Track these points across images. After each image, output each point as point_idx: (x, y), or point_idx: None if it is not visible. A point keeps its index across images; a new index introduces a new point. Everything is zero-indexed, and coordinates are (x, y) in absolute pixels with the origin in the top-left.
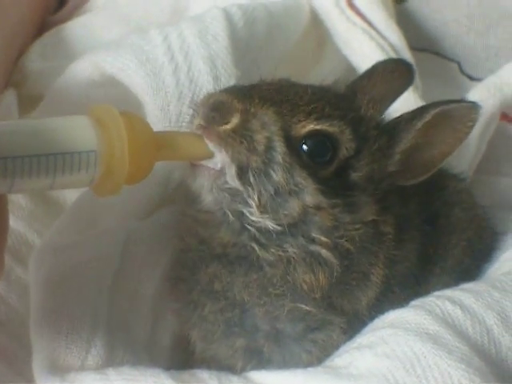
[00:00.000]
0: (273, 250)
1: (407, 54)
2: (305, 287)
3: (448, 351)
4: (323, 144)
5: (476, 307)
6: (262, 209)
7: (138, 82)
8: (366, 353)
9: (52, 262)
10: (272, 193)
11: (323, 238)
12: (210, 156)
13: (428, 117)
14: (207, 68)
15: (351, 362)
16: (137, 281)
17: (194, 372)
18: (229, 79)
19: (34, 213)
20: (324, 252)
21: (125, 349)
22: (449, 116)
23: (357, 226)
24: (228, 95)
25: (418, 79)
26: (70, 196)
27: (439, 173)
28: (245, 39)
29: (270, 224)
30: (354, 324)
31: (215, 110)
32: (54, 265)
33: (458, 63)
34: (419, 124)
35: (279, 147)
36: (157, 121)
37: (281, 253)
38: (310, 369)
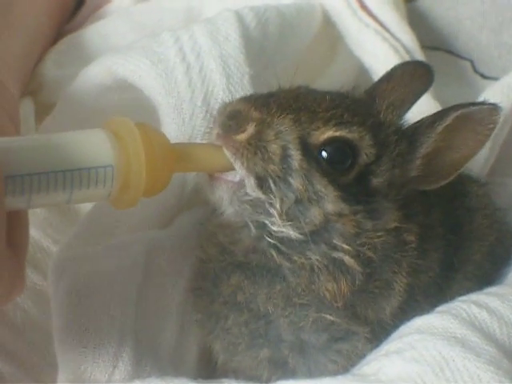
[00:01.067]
0: (295, 258)
1: (420, 55)
2: (327, 296)
3: (476, 354)
4: (343, 150)
5: (502, 309)
6: (285, 217)
7: (150, 83)
8: (394, 359)
9: (73, 271)
10: (293, 200)
11: (345, 246)
12: (230, 168)
13: (449, 120)
14: (219, 67)
15: (380, 369)
16: (161, 293)
17: (221, 382)
18: (242, 78)
19: (48, 219)
20: (347, 259)
21: (151, 363)
22: (470, 119)
23: (379, 234)
24: (245, 103)
25: None
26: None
27: (460, 178)
28: (258, 40)
29: (293, 233)
30: (379, 333)
31: (232, 118)
32: (76, 275)
33: (471, 61)
34: (440, 128)
35: (295, 155)
36: (170, 121)
37: (303, 260)
38: (338, 376)
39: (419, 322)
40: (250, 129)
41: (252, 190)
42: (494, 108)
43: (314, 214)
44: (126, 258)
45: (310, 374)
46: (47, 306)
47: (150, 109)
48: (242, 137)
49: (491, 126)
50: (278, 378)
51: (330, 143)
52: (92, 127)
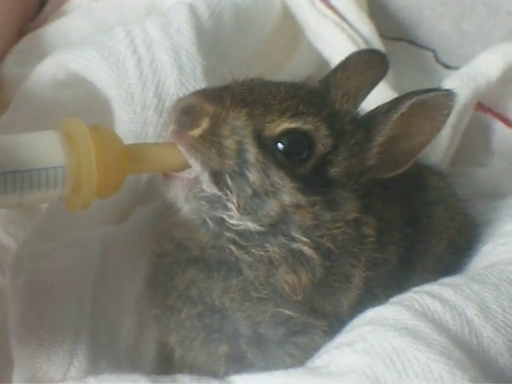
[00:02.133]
0: (253, 251)
1: (379, 46)
2: (287, 288)
3: (427, 345)
4: (299, 142)
5: (455, 299)
6: (242, 211)
7: (101, 76)
8: (345, 351)
9: (30, 268)
10: (250, 194)
11: (304, 238)
12: (185, 166)
13: (404, 108)
14: (171, 59)
15: (331, 361)
16: (118, 288)
17: (175, 377)
18: (194, 69)
19: (9, 216)
20: (306, 249)
21: (108, 360)
22: (425, 105)
23: (338, 225)
24: (199, 98)
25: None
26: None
27: (420, 171)
28: (211, 31)
29: (251, 225)
30: (336, 326)
31: (186, 113)
32: (33, 272)
33: (434, 51)
34: (395, 116)
35: (251, 149)
36: (122, 113)
37: (262, 253)
38: (290, 370)
39: (371, 313)
40: (204, 124)
41: (208, 186)
42: (449, 94)
43: (272, 207)
44: (82, 254)
45: (267, 368)
46: (5, 302)
47: (104, 103)
48: (196, 132)
49: (446, 111)
50: (235, 373)
51: (285, 135)
52: (47, 124)
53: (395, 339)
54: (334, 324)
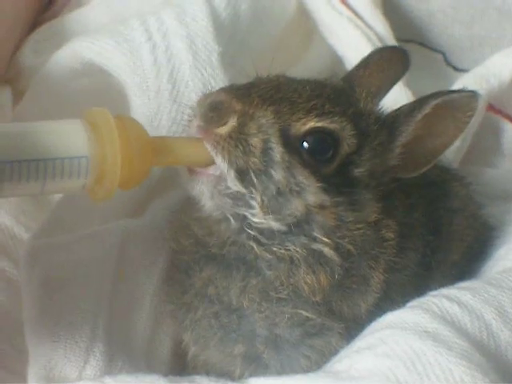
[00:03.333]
0: (274, 249)
1: (393, 43)
2: (306, 289)
3: (448, 348)
4: (324, 141)
5: (473, 303)
6: (265, 209)
7: (116, 63)
8: (366, 354)
9: (46, 261)
10: (274, 193)
11: (325, 238)
12: (210, 162)
13: (428, 108)
14: (185, 46)
15: (351, 365)
16: (134, 284)
17: (193, 378)
18: (209, 56)
19: (21, 206)
20: (327, 250)
21: (124, 358)
22: (449, 106)
23: (359, 226)
24: (226, 94)
25: None
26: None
27: (443, 177)
28: (228, 20)
29: (274, 224)
30: (353, 329)
31: (214, 109)
32: (49, 265)
33: (443, 54)
34: (419, 116)
35: (277, 148)
36: (136, 98)
37: (283, 251)
38: (310, 374)
39: (390, 317)
40: (232, 121)
41: (233, 183)
42: (473, 95)
43: (296, 206)
44: (100, 248)
45: (283, 370)
46: (17, 293)
47: (120, 92)
48: (224, 130)
49: (470, 113)
50: (251, 374)
51: (311, 134)
52: (63, 113)
53: (416, 342)
54: (351, 327)
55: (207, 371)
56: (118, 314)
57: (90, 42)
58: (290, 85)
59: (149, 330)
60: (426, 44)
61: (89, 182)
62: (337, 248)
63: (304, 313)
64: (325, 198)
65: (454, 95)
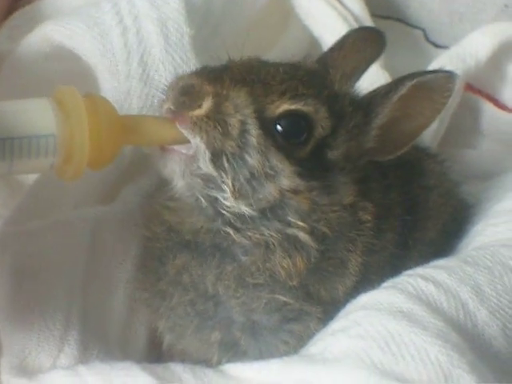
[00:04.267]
0: (249, 234)
1: (370, 24)
2: (282, 273)
3: (423, 328)
4: (298, 124)
5: (449, 282)
6: (237, 194)
7: (86, 46)
8: (340, 337)
9: (17, 248)
10: (248, 177)
11: (300, 222)
12: (183, 141)
13: (404, 89)
14: (157, 29)
15: (325, 348)
16: (107, 272)
17: (167, 365)
18: (181, 39)
19: None
20: (301, 235)
21: (99, 347)
22: (425, 87)
23: (334, 209)
24: (198, 77)
25: None
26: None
27: (418, 156)
28: (200, 2)
29: (245, 209)
30: (331, 313)
31: (185, 93)
32: (20, 252)
33: (423, 30)
34: (395, 97)
35: (253, 130)
36: (105, 82)
37: (258, 236)
38: (284, 358)
39: (365, 298)
40: (208, 103)
41: (205, 165)
42: (450, 75)
43: (269, 190)
44: (71, 235)
45: (261, 356)
46: None
47: (91, 76)
48: (201, 111)
49: (447, 93)
50: (228, 360)
51: (284, 117)
52: (35, 97)
53: (390, 323)
54: (329, 311)
55: (184, 360)
56: (92, 302)
57: (61, 25)
58: (262, 67)
59: (123, 318)
60: (405, 20)
61: (57, 161)
62: (312, 232)
63: (281, 298)
64: (299, 182)
65: (430, 76)
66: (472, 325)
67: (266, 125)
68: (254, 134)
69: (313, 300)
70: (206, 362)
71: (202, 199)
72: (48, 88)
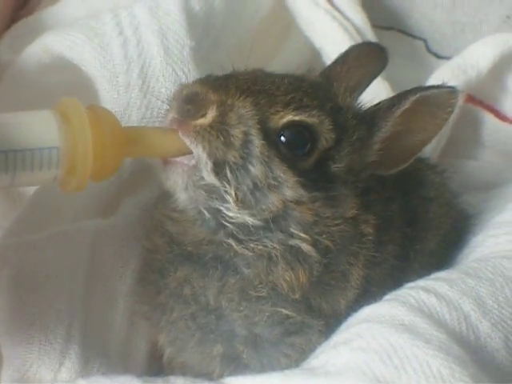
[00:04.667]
0: (252, 245)
1: (371, 35)
2: (285, 286)
3: (425, 340)
4: (302, 135)
5: (451, 294)
6: (240, 204)
7: (86, 57)
8: (342, 349)
9: (17, 261)
10: (251, 187)
11: (302, 234)
12: (185, 152)
13: (407, 104)
14: (157, 40)
15: (328, 361)
16: (107, 285)
17: (167, 378)
18: (181, 50)
19: None
20: (304, 246)
21: (100, 360)
22: (428, 102)
23: (337, 222)
24: (202, 86)
25: None
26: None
27: (417, 166)
28: (202, 14)
29: (249, 219)
30: (333, 326)
31: (190, 102)
32: (20, 265)
33: (425, 41)
34: (398, 112)
35: (257, 140)
36: (106, 93)
37: (261, 247)
38: (286, 371)
39: (367, 311)
40: (212, 112)
41: (208, 175)
42: (453, 91)
43: (272, 201)
44: (71, 248)
45: (263, 369)
46: None
47: (91, 87)
48: (204, 121)
49: (450, 109)
50: (230, 374)
51: (289, 128)
52: (35, 108)
53: (392, 336)
54: (331, 324)
55: (185, 373)
56: (93, 315)
57: (61, 36)
58: (267, 78)
59: (124, 331)
60: (406, 31)
61: (60, 174)
62: (315, 244)
63: (284, 311)
64: (302, 193)
65: (434, 91)
66: (475, 337)
67: (269, 135)
68: (257, 144)
69: (314, 313)
70: (208, 375)
71: (205, 211)
72: (48, 99)
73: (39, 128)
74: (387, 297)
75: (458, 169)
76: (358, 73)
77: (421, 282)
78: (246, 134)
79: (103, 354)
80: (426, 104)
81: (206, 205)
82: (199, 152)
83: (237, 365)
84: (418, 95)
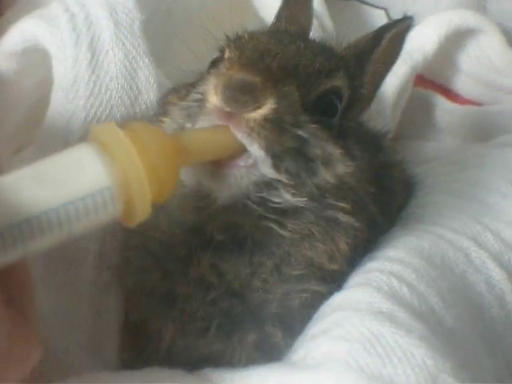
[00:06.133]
0: (293, 225)
1: (325, 12)
2: (325, 259)
3: (407, 330)
4: (333, 101)
5: (418, 286)
6: (294, 190)
7: (35, 35)
8: (320, 340)
9: None
10: (307, 171)
11: (341, 203)
12: (240, 151)
13: (386, 42)
14: (106, 14)
15: (307, 354)
16: (68, 275)
17: (151, 370)
18: (132, 24)
19: None
20: (341, 215)
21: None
22: (393, 36)
23: (363, 185)
24: (250, 73)
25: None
26: None
27: (374, 134)
28: None
29: (298, 201)
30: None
31: (243, 92)
32: None
33: (385, 10)
34: (378, 52)
35: (307, 123)
36: (55, 71)
37: (302, 225)
38: (268, 365)
39: (338, 298)
40: (268, 103)
41: (268, 171)
42: (411, 19)
43: (326, 178)
44: None
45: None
46: None
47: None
48: (259, 114)
49: (403, 39)
50: (260, 360)
51: (323, 97)
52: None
53: (372, 324)
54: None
55: (188, 358)
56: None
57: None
58: (290, 44)
59: (91, 322)
60: (366, 1)
61: (118, 211)
62: (352, 211)
63: (319, 289)
64: (350, 164)
65: (402, 24)
66: (441, 331)
67: (312, 111)
68: (308, 127)
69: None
70: (231, 363)
71: (252, 201)
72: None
73: (83, 170)
74: (357, 280)
75: (415, 149)
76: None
77: (388, 266)
78: (297, 119)
79: (73, 347)
80: (391, 38)
81: (255, 197)
82: (256, 149)
83: (269, 349)
84: (393, 31)
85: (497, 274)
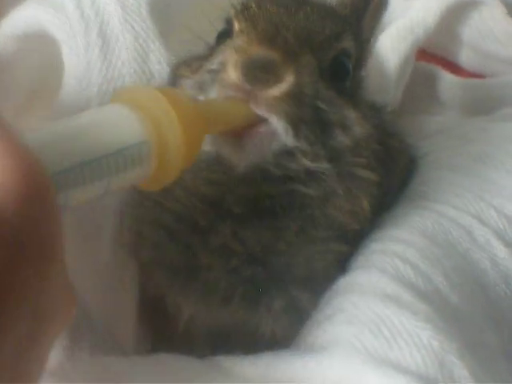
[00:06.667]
0: (317, 186)
1: None
2: (348, 218)
3: (413, 312)
4: (345, 63)
5: (423, 266)
6: (315, 156)
7: (43, 23)
8: (326, 325)
9: None
10: (328, 137)
11: (360, 159)
12: (261, 120)
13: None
14: None
15: (314, 341)
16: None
17: (158, 355)
18: (139, 7)
19: None
20: (362, 171)
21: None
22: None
23: (374, 145)
24: (270, 48)
25: None
26: None
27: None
28: None
29: (319, 166)
30: None
31: (263, 70)
32: None
33: None
34: (371, 7)
35: (324, 91)
36: (66, 56)
37: (325, 186)
38: (274, 353)
39: (342, 282)
40: (288, 79)
41: (289, 139)
42: None
43: (346, 142)
44: None
45: None
46: None
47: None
48: (279, 89)
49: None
50: (289, 324)
51: (336, 61)
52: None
53: (377, 306)
54: None
55: (208, 332)
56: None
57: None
58: (298, 11)
59: (108, 299)
60: None
61: (152, 168)
62: (370, 167)
63: (342, 249)
64: (367, 126)
65: None
66: (447, 312)
67: (327, 78)
68: (324, 94)
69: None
70: (258, 333)
71: (275, 168)
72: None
73: (122, 124)
74: (360, 263)
75: (419, 124)
76: None
77: (391, 246)
78: (315, 90)
79: (89, 327)
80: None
81: (275, 164)
82: (275, 121)
83: (298, 316)
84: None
85: (501, 251)
